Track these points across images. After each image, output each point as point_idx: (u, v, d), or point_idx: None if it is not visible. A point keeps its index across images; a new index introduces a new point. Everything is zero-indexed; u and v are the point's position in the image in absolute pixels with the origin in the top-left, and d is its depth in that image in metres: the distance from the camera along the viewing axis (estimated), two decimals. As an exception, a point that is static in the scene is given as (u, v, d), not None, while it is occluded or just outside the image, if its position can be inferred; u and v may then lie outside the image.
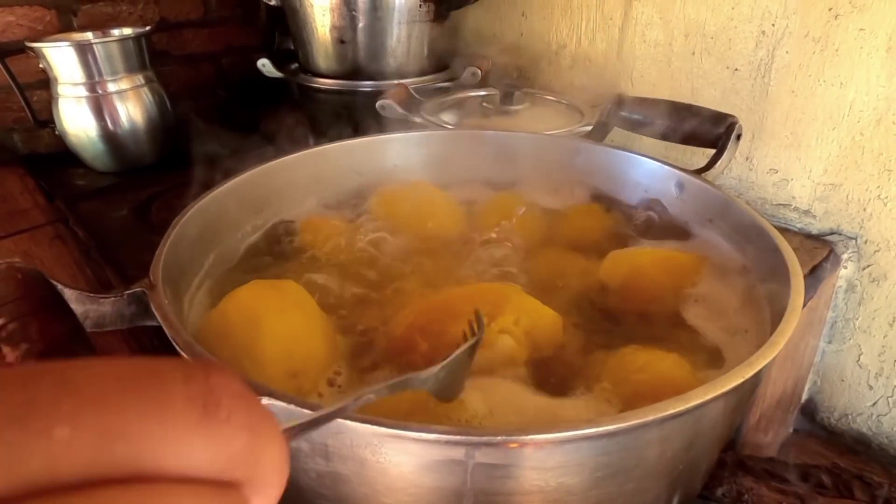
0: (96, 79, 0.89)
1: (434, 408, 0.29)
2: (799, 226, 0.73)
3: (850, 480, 0.50)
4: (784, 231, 0.73)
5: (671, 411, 0.25)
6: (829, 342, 0.75)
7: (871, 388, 0.74)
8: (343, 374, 0.35)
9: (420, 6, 0.89)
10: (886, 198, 0.65)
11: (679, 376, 0.32)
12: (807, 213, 0.72)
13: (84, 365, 0.12)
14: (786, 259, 0.36)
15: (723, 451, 0.56)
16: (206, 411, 0.12)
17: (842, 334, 0.74)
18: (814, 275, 0.67)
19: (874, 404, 0.74)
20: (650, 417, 0.25)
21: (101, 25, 1.02)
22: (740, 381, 0.27)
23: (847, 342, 0.74)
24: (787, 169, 0.72)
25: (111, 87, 0.90)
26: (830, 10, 0.63)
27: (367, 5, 0.86)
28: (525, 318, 0.34)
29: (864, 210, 0.68)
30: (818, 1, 0.64)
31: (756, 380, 0.29)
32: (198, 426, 0.12)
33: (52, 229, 0.77)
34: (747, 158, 0.75)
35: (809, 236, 0.72)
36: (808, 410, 0.80)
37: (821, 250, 0.69)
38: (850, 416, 0.77)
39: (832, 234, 0.71)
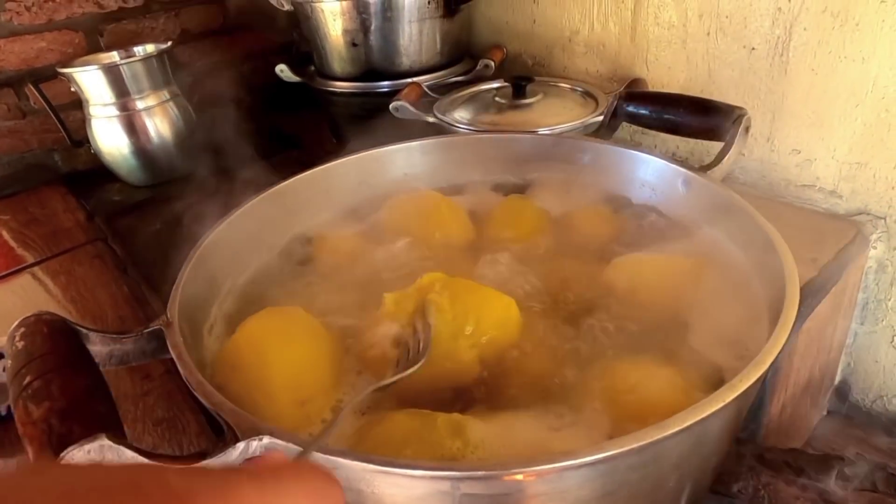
0: (125, 98, 0.93)
1: (428, 435, 0.30)
2: (825, 206, 0.71)
3: (873, 471, 0.50)
4: (810, 213, 0.71)
5: (648, 441, 0.26)
6: (862, 323, 0.74)
7: (906, 368, 0.72)
8: (347, 399, 0.36)
9: (429, 3, 0.89)
10: (916, 175, 0.63)
11: (669, 397, 0.33)
12: (832, 193, 0.70)
13: None
14: (783, 266, 0.36)
15: (741, 443, 0.56)
16: None
17: (874, 315, 0.72)
18: (840, 257, 0.65)
19: (910, 385, 0.72)
20: (627, 447, 0.26)
21: (126, 42, 1.06)
22: (721, 405, 0.27)
23: (880, 323, 0.72)
24: (811, 149, 0.70)
25: (139, 104, 0.94)
26: (849, -18, 0.60)
27: (378, 7, 0.87)
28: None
29: (893, 188, 0.65)
30: (836, -26, 0.61)
31: (747, 395, 0.30)
32: None
33: (92, 248, 0.82)
34: (768, 139, 0.73)
35: (836, 217, 0.70)
36: (842, 392, 0.79)
37: (848, 231, 0.67)
38: (885, 398, 0.75)
39: (860, 213, 0.69)
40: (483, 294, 0.39)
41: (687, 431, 0.27)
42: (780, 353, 0.31)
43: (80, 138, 0.99)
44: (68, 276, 0.76)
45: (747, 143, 0.74)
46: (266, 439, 0.28)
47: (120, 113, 0.94)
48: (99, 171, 1.00)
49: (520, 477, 0.25)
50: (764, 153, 0.74)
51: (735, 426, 0.33)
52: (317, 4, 0.90)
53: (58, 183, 1.04)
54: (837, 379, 0.78)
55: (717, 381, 0.35)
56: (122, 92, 0.92)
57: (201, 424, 0.50)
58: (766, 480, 0.49)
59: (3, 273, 0.78)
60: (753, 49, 0.70)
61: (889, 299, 0.70)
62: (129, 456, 0.25)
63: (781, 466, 0.52)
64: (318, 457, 0.27)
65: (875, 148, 0.65)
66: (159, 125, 0.97)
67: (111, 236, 0.85)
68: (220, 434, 0.30)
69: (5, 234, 0.90)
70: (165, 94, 0.97)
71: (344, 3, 0.88)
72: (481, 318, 0.37)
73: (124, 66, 0.92)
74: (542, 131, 0.65)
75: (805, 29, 0.65)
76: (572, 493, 0.27)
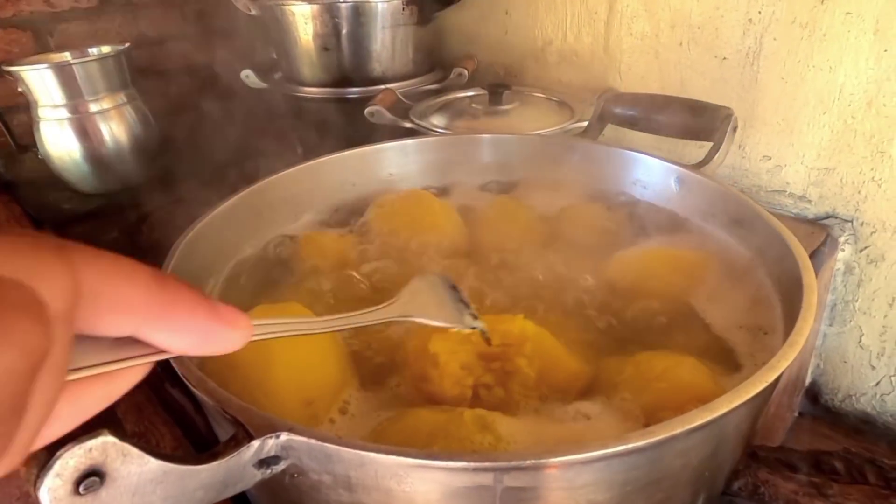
0: (77, 100, 0.87)
1: (456, 430, 0.28)
2: (795, 211, 0.73)
3: (863, 465, 0.51)
4: (780, 217, 0.73)
5: (698, 423, 0.25)
6: (831, 325, 0.76)
7: (873, 368, 0.74)
8: (354, 400, 0.34)
9: (403, 10, 0.88)
10: (881, 179, 0.66)
11: (700, 382, 0.32)
12: (802, 198, 0.72)
13: None
14: (794, 254, 0.36)
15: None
16: None
17: (842, 316, 0.75)
18: (813, 259, 0.67)
19: (877, 384, 0.74)
20: (677, 430, 0.24)
21: (78, 45, 1.00)
22: (764, 385, 0.26)
23: (848, 324, 0.74)
24: (781, 155, 0.72)
25: (93, 107, 0.89)
26: (816, -6, 0.63)
27: (350, 11, 0.85)
28: (538, 360, 0.33)
29: (859, 192, 0.68)
30: (804, -14, 0.64)
31: (777, 381, 0.29)
32: None
33: (42, 257, 0.76)
34: (740, 146, 0.75)
35: (805, 221, 0.72)
36: (813, 393, 0.81)
37: (818, 234, 0.69)
38: (854, 397, 0.77)
39: (828, 217, 0.71)
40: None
41: (730, 414, 0.26)
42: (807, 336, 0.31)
43: (26, 143, 0.93)
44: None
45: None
46: (284, 436, 0.25)
47: (71, 116, 0.88)
48: (46, 179, 0.94)
49: (571, 459, 0.23)
50: (736, 160, 0.76)
51: (759, 416, 0.33)
52: (287, 7, 0.88)
53: (0, 191, 0.96)
54: (808, 380, 0.80)
55: (735, 366, 0.35)
56: (74, 93, 0.87)
57: (177, 438, 0.46)
58: (765, 477, 0.49)
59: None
60: (725, 59, 0.72)
61: (856, 300, 0.72)
62: (136, 454, 0.21)
63: (775, 463, 0.52)
64: (345, 451, 0.24)
65: (842, 154, 0.67)
66: (115, 130, 0.92)
67: (63, 245, 0.79)
68: (203, 446, 0.27)
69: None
70: (122, 98, 0.92)
71: (315, 6, 0.86)
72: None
73: (78, 66, 0.87)
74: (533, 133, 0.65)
75: (775, 39, 0.68)
76: (619, 479, 0.25)
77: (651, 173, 0.53)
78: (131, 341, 0.16)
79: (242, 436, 0.26)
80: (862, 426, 0.78)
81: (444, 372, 0.31)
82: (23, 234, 0.13)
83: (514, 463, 0.23)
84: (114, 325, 0.15)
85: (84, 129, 0.89)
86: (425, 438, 0.28)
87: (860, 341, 0.74)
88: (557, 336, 0.36)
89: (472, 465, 0.23)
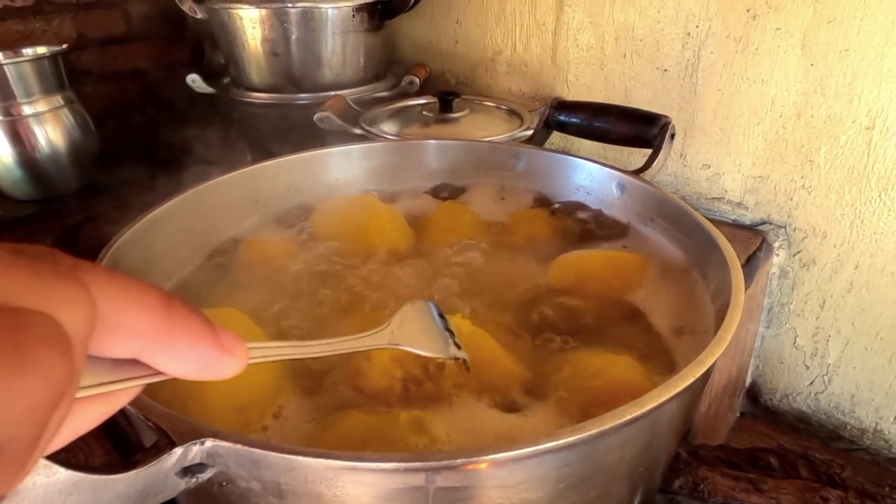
0: (10, 101, 0.83)
1: (390, 433, 0.28)
2: (732, 217, 0.76)
3: (796, 461, 0.53)
4: (718, 223, 0.76)
5: (628, 417, 0.25)
6: (768, 327, 0.79)
7: (807, 367, 0.77)
8: (289, 405, 0.33)
9: (353, 16, 0.88)
10: (810, 187, 0.69)
11: (633, 379, 0.33)
12: (739, 205, 0.75)
13: None
14: (725, 255, 0.37)
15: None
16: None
17: (778, 319, 0.78)
18: (749, 264, 0.70)
19: (811, 383, 0.78)
20: (607, 426, 0.25)
21: (12, 45, 0.96)
22: (692, 380, 0.27)
23: (784, 326, 0.77)
24: (719, 163, 0.75)
25: (27, 109, 0.85)
26: (748, 10, 0.66)
27: (299, 16, 0.85)
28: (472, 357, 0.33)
29: (791, 199, 0.71)
30: (737, 2, 0.67)
31: (706, 376, 0.30)
32: None
33: (-33, 266, 0.72)
34: (681, 155, 0.77)
35: (743, 227, 0.75)
36: (753, 393, 0.84)
37: (754, 240, 0.72)
38: (790, 396, 0.80)
39: (763, 223, 0.74)
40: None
41: (661, 409, 0.27)
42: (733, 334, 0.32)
43: (-48, 146, 0.87)
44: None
45: (662, 159, 0.78)
46: (209, 442, 0.24)
47: (3, 118, 0.84)
48: (-26, 184, 0.89)
49: (503, 457, 0.23)
50: (678, 168, 0.78)
51: (691, 412, 0.33)
52: (234, 11, 0.86)
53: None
54: (748, 381, 0.83)
55: (670, 364, 0.35)
56: (6, 95, 0.83)
57: (108, 452, 0.44)
58: (704, 475, 0.50)
59: None
60: (666, 70, 0.75)
61: (791, 303, 0.76)
62: (42, 463, 0.20)
63: (715, 461, 0.54)
64: (273, 456, 0.23)
65: (775, 162, 0.70)
66: (51, 133, 0.88)
67: (-10, 253, 0.75)
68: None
69: None
70: (59, 100, 0.88)
71: (264, 10, 0.85)
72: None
73: (9, 66, 0.83)
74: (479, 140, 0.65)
75: (712, 52, 0.70)
76: (552, 476, 0.25)
77: (594, 179, 0.54)
78: (131, 361, 0.16)
79: (164, 443, 0.25)
80: (798, 424, 0.81)
81: (374, 363, 0.31)
82: (40, 257, 0.13)
83: (444, 462, 0.23)
84: (119, 347, 0.15)
85: (16, 133, 0.85)
86: (359, 442, 0.28)
87: (795, 342, 0.77)
88: (498, 336, 0.37)
89: (403, 465, 0.23)
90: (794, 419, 0.81)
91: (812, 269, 0.72)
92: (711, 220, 0.73)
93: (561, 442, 0.24)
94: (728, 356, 0.69)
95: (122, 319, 0.15)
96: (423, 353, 0.28)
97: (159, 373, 0.17)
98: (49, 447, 0.15)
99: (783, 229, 0.73)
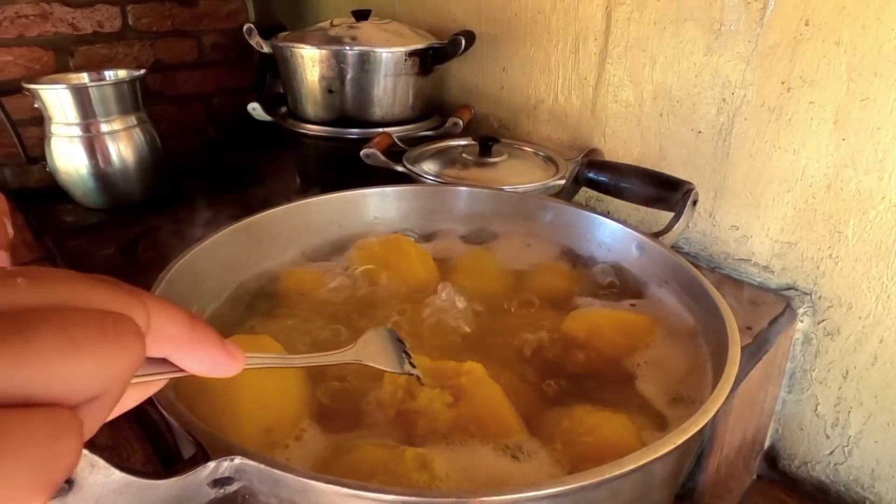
0: (90, 119, 0.92)
1: (395, 467, 0.31)
2: (759, 280, 0.77)
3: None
4: (744, 284, 0.77)
5: (607, 476, 0.28)
6: (790, 392, 0.79)
7: (828, 437, 0.77)
8: (310, 429, 0.37)
9: (406, 60, 0.93)
10: (837, 257, 0.70)
11: (624, 440, 0.35)
12: (766, 268, 0.76)
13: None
14: (727, 326, 0.39)
15: (680, 500, 0.58)
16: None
17: (800, 384, 0.78)
18: (772, 327, 0.71)
19: (831, 453, 0.77)
20: (588, 481, 0.27)
21: (97, 66, 1.06)
22: (671, 447, 0.29)
23: (805, 392, 0.77)
24: (748, 226, 0.76)
25: (104, 127, 0.93)
26: (783, 83, 0.68)
27: (356, 58, 0.91)
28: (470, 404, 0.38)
29: (818, 268, 0.72)
30: (772, 74, 0.69)
31: (690, 444, 0.32)
32: None
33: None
34: (711, 214, 0.79)
35: (768, 290, 0.76)
36: (771, 457, 0.83)
37: (778, 304, 0.73)
38: (809, 464, 0.80)
39: (789, 289, 0.75)
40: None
41: (641, 471, 0.29)
42: (721, 406, 0.34)
43: (35, 155, 0.97)
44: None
45: (693, 217, 0.80)
46: (238, 460, 0.28)
47: (83, 134, 0.93)
48: (51, 191, 0.98)
49: (488, 500, 0.26)
50: (707, 227, 0.80)
51: (678, 474, 0.36)
52: (297, 49, 0.93)
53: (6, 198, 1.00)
54: (767, 444, 0.82)
55: (663, 427, 0.38)
56: (87, 113, 0.92)
57: (147, 454, 0.49)
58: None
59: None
60: (700, 132, 0.77)
61: (814, 370, 0.76)
62: (103, 465, 0.24)
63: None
64: (290, 478, 0.27)
65: (803, 230, 0.71)
66: (122, 150, 0.96)
67: (60, 257, 0.82)
68: (171, 462, 0.30)
69: (-57, 247, 0.85)
70: (133, 120, 0.97)
71: (324, 51, 0.91)
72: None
73: (94, 89, 0.92)
74: (507, 189, 0.69)
75: (745, 119, 0.72)
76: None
77: (615, 237, 0.56)
78: (162, 360, 0.22)
79: (201, 456, 0.28)
80: (817, 494, 0.80)
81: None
82: (118, 284, 0.19)
83: (437, 500, 0.26)
84: (158, 349, 0.21)
85: (93, 147, 0.94)
86: (367, 472, 0.31)
87: (816, 410, 0.77)
88: (504, 382, 0.40)
89: (401, 498, 0.26)
90: (813, 488, 0.80)
91: (836, 338, 0.73)
92: (737, 281, 0.76)
93: (541, 492, 0.27)
94: (743, 418, 0.69)
95: (162, 330, 0.20)
96: (381, 368, 0.34)
97: (182, 370, 0.22)
98: (111, 414, 0.21)
99: (808, 296, 0.73)
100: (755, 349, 0.64)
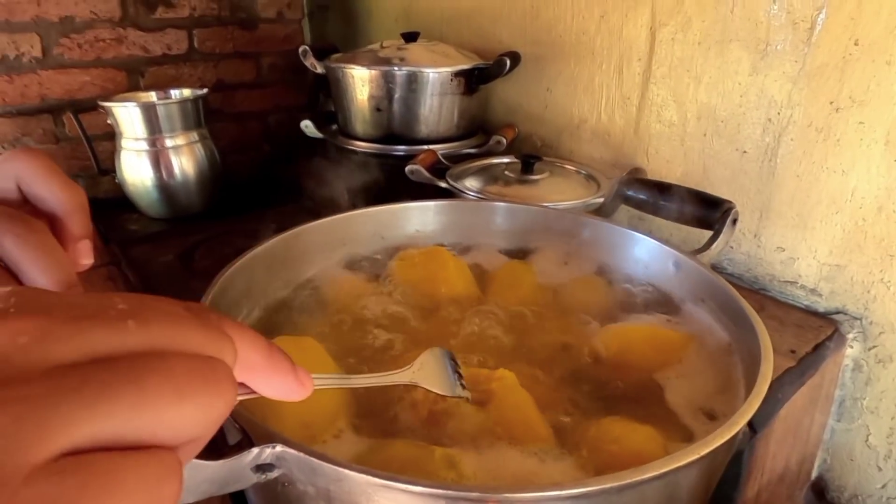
0: (156, 135, 0.99)
1: (425, 465, 0.33)
2: (805, 303, 0.75)
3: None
4: (790, 307, 0.75)
5: (628, 480, 0.28)
6: (839, 420, 0.76)
7: (880, 469, 0.74)
8: (347, 429, 0.39)
9: (452, 80, 0.96)
10: (889, 282, 0.67)
11: (648, 450, 0.35)
12: (813, 291, 0.74)
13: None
14: (760, 343, 0.39)
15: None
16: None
17: (850, 413, 0.75)
18: (817, 351, 0.69)
19: (884, 486, 0.74)
20: (609, 485, 0.28)
21: (164, 85, 1.14)
22: (695, 457, 0.30)
23: (856, 421, 0.75)
24: (794, 248, 0.75)
25: (168, 142, 1.00)
26: (832, 103, 0.67)
27: (403, 79, 0.94)
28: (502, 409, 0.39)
29: (868, 292, 0.70)
30: (820, 94, 0.68)
31: (717, 457, 0.32)
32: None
33: (105, 271, 0.85)
34: (756, 235, 0.78)
35: (816, 314, 0.74)
36: (819, 488, 0.80)
37: (826, 328, 0.71)
38: (860, 497, 0.76)
39: (837, 313, 0.73)
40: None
41: (663, 479, 0.30)
42: (750, 420, 0.34)
43: (106, 167, 1.04)
44: (78, 295, 0.79)
45: (737, 238, 0.79)
46: (279, 447, 0.30)
47: (149, 148, 0.99)
48: (119, 201, 1.05)
49: (511, 497, 0.27)
50: (751, 248, 0.79)
51: (706, 489, 0.36)
52: (348, 70, 0.97)
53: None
54: (814, 474, 0.80)
55: (690, 441, 0.38)
56: (154, 129, 0.98)
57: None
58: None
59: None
60: (745, 152, 0.77)
61: (864, 398, 0.73)
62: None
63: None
64: (327, 466, 0.29)
65: (853, 253, 0.70)
66: (185, 163, 1.02)
67: (125, 262, 0.88)
68: (219, 448, 0.32)
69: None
70: (195, 136, 1.03)
71: (373, 71, 0.95)
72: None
73: (160, 107, 0.98)
74: (548, 205, 0.70)
75: (792, 140, 0.72)
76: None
77: (652, 255, 0.57)
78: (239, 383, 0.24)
79: (245, 442, 0.31)
80: (868, 529, 0.76)
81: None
82: (202, 314, 0.20)
83: (462, 493, 0.28)
84: (240, 377, 0.22)
85: (158, 161, 1.00)
86: (399, 467, 0.33)
87: (867, 440, 0.74)
88: (537, 393, 0.41)
89: (428, 490, 0.28)
90: (863, 523, 0.77)
91: (889, 366, 0.70)
92: (782, 304, 0.74)
93: (563, 492, 0.28)
94: (786, 444, 0.67)
95: (246, 360, 0.22)
96: (435, 391, 0.36)
97: (255, 392, 0.24)
98: None
99: (858, 321, 0.71)
100: (799, 373, 0.63)
